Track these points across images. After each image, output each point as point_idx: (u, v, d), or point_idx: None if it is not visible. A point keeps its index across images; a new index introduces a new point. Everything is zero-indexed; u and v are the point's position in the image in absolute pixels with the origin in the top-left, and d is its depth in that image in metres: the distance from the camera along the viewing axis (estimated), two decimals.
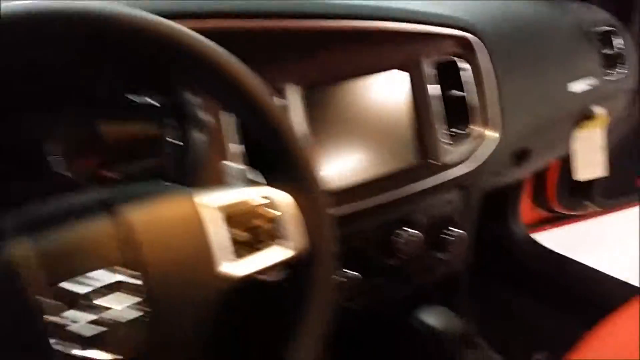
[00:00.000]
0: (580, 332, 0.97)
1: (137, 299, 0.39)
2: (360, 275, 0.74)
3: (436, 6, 0.87)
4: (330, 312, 0.52)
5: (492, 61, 0.86)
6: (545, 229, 1.62)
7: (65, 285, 0.38)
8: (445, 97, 0.83)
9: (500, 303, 1.40)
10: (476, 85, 0.85)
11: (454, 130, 0.84)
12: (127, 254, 0.40)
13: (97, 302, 0.38)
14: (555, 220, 1.65)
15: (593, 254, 1.60)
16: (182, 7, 0.60)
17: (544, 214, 1.63)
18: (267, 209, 0.48)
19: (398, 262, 0.78)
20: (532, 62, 0.94)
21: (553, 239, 1.57)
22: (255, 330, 0.64)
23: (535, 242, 1.46)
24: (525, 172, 1.13)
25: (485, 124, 0.86)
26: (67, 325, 0.38)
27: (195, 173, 0.58)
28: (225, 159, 0.60)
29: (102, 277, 0.38)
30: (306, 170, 0.51)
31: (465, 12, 0.88)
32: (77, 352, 0.38)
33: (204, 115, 0.60)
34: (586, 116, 1.07)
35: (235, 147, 0.62)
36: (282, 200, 0.49)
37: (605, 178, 1.51)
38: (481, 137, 0.86)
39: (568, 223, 1.67)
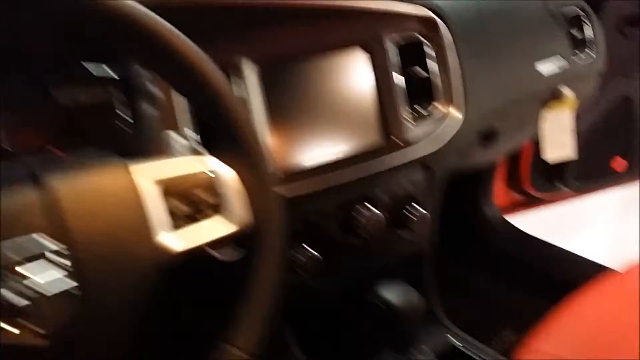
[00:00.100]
0: (549, 310, 0.98)
1: (64, 272, 0.39)
2: (320, 255, 0.73)
3: None
4: (278, 292, 0.51)
5: (456, 41, 0.86)
6: (519, 212, 1.63)
7: None
8: (409, 76, 0.83)
9: (471, 283, 1.41)
10: (440, 64, 0.84)
11: (417, 109, 0.84)
12: (51, 223, 0.39)
13: (20, 271, 0.37)
14: (530, 203, 1.66)
15: (569, 237, 1.62)
16: None
17: (519, 197, 1.64)
18: (209, 181, 0.48)
19: (360, 241, 0.78)
20: (498, 41, 0.93)
21: (529, 222, 1.59)
22: (197, 309, 0.63)
23: (507, 224, 1.47)
24: (494, 153, 1.13)
25: (449, 103, 0.86)
26: None
27: (141, 145, 0.57)
28: (173, 132, 0.59)
29: (25, 245, 0.37)
30: (251, 145, 0.50)
31: None
32: None
33: (154, 88, 0.59)
34: (554, 97, 1.07)
35: (184, 121, 0.61)
36: (226, 174, 0.49)
37: (579, 161, 1.52)
38: (445, 116, 0.86)
39: (543, 206, 1.68)
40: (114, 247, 0.41)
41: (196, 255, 0.48)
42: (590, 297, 1.01)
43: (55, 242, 0.39)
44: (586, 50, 1.09)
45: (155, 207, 0.44)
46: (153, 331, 0.49)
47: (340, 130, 0.77)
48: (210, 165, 0.49)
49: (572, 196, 1.66)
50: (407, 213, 0.82)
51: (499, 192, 1.57)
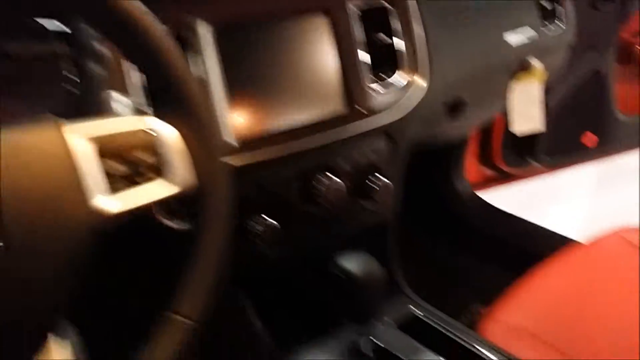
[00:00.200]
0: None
1: None
2: (278, 224, 0.72)
3: None
4: (224, 259, 0.50)
5: (421, 7, 0.84)
6: (491, 188, 1.63)
7: None
8: (373, 43, 0.81)
9: (441, 257, 1.41)
10: (404, 31, 0.83)
11: (381, 77, 0.82)
12: None
13: None
14: (502, 179, 1.66)
15: (542, 212, 1.63)
16: None
17: (490, 172, 1.64)
18: (149, 141, 0.46)
19: (320, 210, 0.76)
20: (464, 9, 0.92)
21: (502, 197, 1.59)
22: (138, 275, 0.62)
23: (478, 199, 1.47)
24: (463, 126, 1.12)
25: (414, 72, 0.84)
26: None
27: (85, 105, 0.55)
28: (116, 91, 0.57)
29: None
30: (195, 106, 0.48)
31: None
32: None
33: (101, 47, 0.57)
34: (523, 68, 1.06)
35: (130, 82, 0.58)
36: (168, 134, 0.47)
37: (549, 136, 1.52)
38: (409, 85, 0.84)
39: (515, 182, 1.69)
40: (44, 208, 0.39)
41: (138, 217, 0.46)
42: (554, 269, 1.02)
43: None
44: (555, 21, 1.08)
45: (90, 167, 0.42)
46: (92, 295, 0.47)
47: (301, 97, 0.75)
48: (151, 124, 0.47)
49: (543, 172, 1.67)
50: (370, 183, 0.80)
51: (471, 167, 1.57)
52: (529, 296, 0.96)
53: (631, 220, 1.12)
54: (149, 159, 0.46)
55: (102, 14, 0.45)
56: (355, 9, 0.78)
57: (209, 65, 0.66)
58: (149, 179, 0.45)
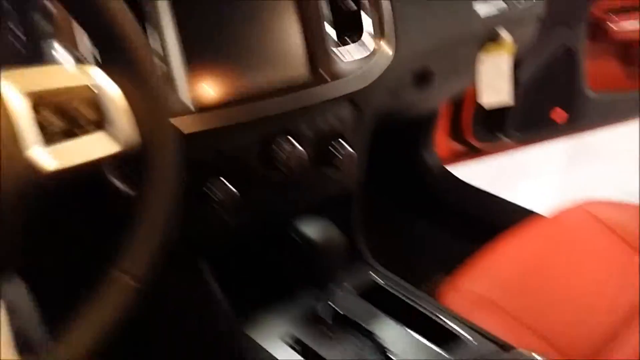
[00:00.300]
0: None
1: None
2: (237, 190, 0.71)
3: None
4: (171, 219, 0.49)
5: None
6: (462, 162, 1.64)
7: None
8: (339, 9, 0.79)
9: (409, 229, 1.42)
10: None
11: (346, 44, 0.81)
12: None
13: None
14: (473, 154, 1.67)
15: (513, 188, 1.64)
16: None
17: (461, 147, 1.65)
18: (91, 95, 0.44)
19: (281, 177, 0.75)
20: None
21: (473, 172, 1.60)
22: (85, 233, 0.60)
23: (446, 172, 1.48)
24: (431, 98, 1.12)
25: (380, 38, 0.83)
26: None
27: (30, 58, 0.52)
28: (64, 45, 0.55)
29: None
30: (142, 62, 0.46)
31: None
32: None
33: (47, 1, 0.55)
34: (492, 39, 1.06)
35: (78, 34, 0.56)
36: (111, 89, 0.45)
37: (519, 112, 1.53)
38: (375, 52, 0.83)
39: (486, 157, 1.69)
40: None
41: (89, 177, 0.45)
42: (517, 240, 1.03)
43: None
44: None
45: (24, 118, 0.40)
46: (39, 250, 0.46)
47: (263, 61, 0.74)
48: (95, 79, 0.45)
49: (513, 147, 1.68)
50: (333, 151, 0.80)
51: (442, 142, 1.57)
52: (490, 265, 0.97)
53: (600, 197, 1.13)
54: (90, 114, 0.44)
55: None
56: None
57: (165, 24, 0.64)
58: (89, 135, 0.44)
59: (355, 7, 0.81)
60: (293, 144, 0.75)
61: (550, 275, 0.98)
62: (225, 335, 0.80)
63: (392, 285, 0.83)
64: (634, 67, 1.63)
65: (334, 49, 0.78)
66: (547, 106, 1.59)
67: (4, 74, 0.41)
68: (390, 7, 0.83)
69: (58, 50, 0.55)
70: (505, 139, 1.58)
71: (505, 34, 1.06)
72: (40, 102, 0.41)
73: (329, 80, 0.78)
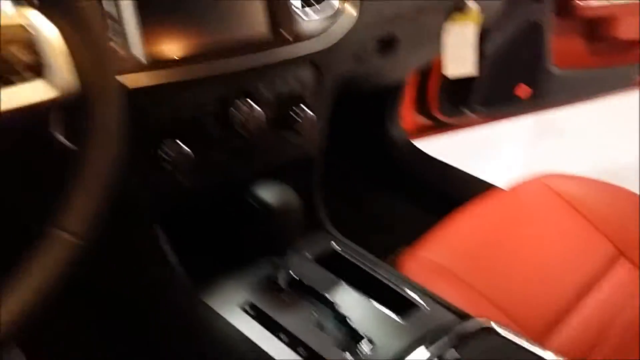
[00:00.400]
0: None
1: None
2: (192, 151, 0.68)
3: None
4: (113, 174, 0.46)
5: None
6: (427, 137, 1.64)
7: None
8: None
9: (372, 201, 1.42)
10: None
11: (311, 5, 0.78)
12: None
13: None
14: (438, 128, 1.67)
15: (479, 162, 1.65)
16: None
17: (427, 121, 1.64)
18: (27, 37, 0.41)
19: (238, 139, 0.73)
20: None
21: (439, 146, 1.60)
22: (26, 189, 0.57)
23: (411, 145, 1.47)
24: (397, 67, 1.10)
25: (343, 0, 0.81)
26: None
27: None
28: None
29: None
30: (83, 6, 0.43)
31: None
32: None
33: None
34: (458, 9, 1.05)
35: None
36: (49, 32, 0.42)
37: (484, 86, 1.53)
38: (338, 13, 0.81)
39: (452, 131, 1.69)
40: None
41: (32, 129, 0.42)
42: (475, 211, 1.03)
43: None
44: None
45: None
46: None
47: (222, 18, 0.70)
48: (32, 20, 0.42)
49: (479, 122, 1.69)
50: (293, 114, 0.78)
51: (407, 115, 1.56)
52: (449, 236, 0.97)
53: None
54: (25, 56, 0.41)
55: None
56: None
57: None
58: (24, 79, 0.41)
59: None
60: (251, 106, 0.72)
61: (508, 247, 0.99)
62: (181, 303, 0.78)
63: (351, 253, 0.82)
64: (599, 45, 1.64)
65: (297, 9, 0.76)
66: (512, 82, 1.59)
67: None
68: None
69: None
70: (470, 114, 1.58)
71: (471, 3, 1.05)
72: None
73: (290, 40, 0.75)
